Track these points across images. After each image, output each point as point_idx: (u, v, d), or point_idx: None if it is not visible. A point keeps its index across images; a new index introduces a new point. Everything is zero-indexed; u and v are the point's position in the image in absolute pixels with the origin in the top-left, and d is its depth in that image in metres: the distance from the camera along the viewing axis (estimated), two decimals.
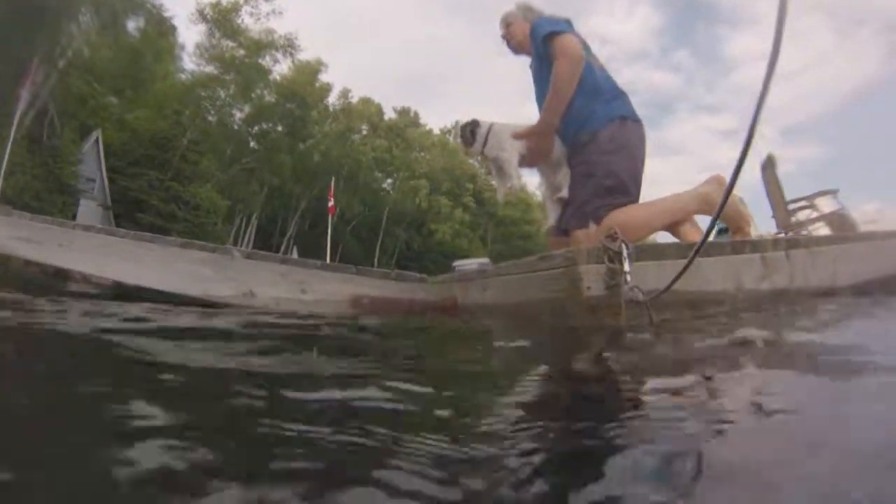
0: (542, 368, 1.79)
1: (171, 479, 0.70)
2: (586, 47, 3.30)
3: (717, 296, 2.41)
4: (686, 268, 1.91)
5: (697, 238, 3.21)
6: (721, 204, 1.95)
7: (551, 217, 3.45)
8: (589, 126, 3.17)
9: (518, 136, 3.41)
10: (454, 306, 3.56)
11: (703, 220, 3.38)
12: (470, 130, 3.51)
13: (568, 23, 3.36)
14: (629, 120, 3.20)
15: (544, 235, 3.68)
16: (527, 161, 3.47)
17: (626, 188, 3.04)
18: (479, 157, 3.71)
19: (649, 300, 1.97)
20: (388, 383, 1.33)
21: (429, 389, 1.38)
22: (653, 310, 1.99)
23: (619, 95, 3.29)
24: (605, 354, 1.90)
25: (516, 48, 3.69)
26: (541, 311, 2.39)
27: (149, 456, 0.75)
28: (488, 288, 3.07)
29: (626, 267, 2.02)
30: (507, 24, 3.68)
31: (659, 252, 2.25)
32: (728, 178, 3.01)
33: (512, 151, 3.39)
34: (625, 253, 2.04)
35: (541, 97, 3.44)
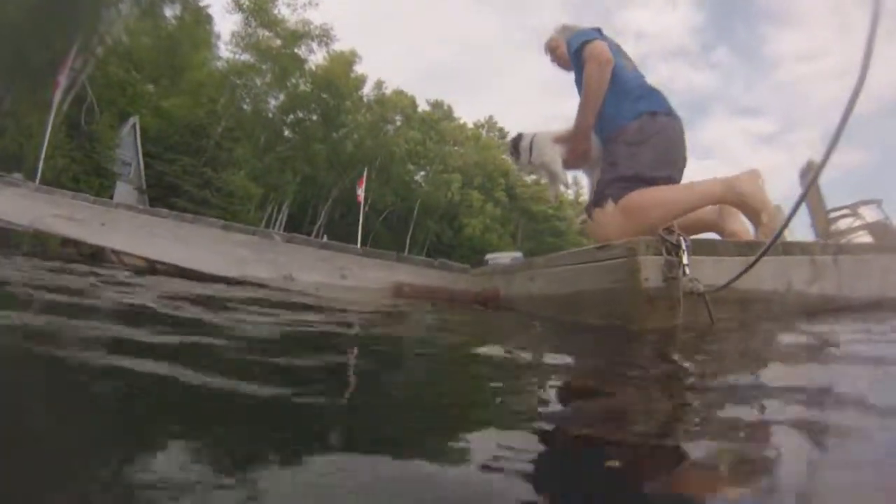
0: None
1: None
2: (618, 51, 3.41)
3: (768, 295, 2.36)
4: (751, 266, 1.91)
5: (742, 232, 3.16)
6: (794, 208, 1.91)
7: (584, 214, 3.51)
8: (616, 122, 3.20)
9: (558, 140, 3.57)
10: (496, 297, 3.51)
11: None
12: (514, 146, 3.70)
13: (598, 31, 3.46)
14: (660, 114, 3.18)
15: (576, 234, 3.76)
16: (569, 163, 3.58)
17: (649, 178, 2.97)
18: (529, 168, 3.78)
19: (708, 293, 1.94)
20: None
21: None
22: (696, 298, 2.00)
23: (647, 94, 3.30)
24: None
25: (566, 67, 3.78)
26: (595, 302, 2.33)
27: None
28: (536, 279, 3.01)
29: (685, 259, 2.00)
30: (551, 49, 3.87)
31: (714, 248, 2.19)
32: (761, 172, 3.00)
33: (554, 156, 3.53)
34: (683, 245, 2.02)
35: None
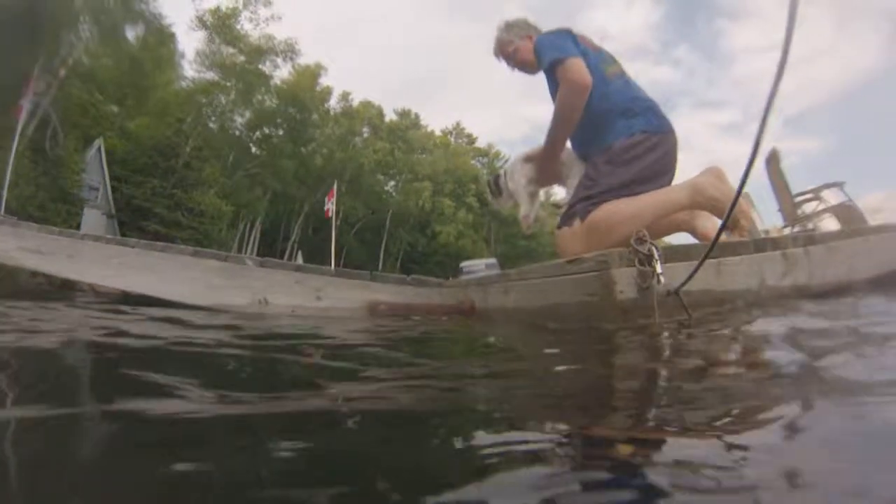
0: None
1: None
2: (599, 56, 3.18)
3: (743, 294, 2.39)
4: (700, 264, 1.93)
5: (712, 229, 3.16)
6: (732, 203, 1.91)
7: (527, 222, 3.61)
8: (606, 139, 3.02)
9: (529, 158, 3.48)
10: (472, 310, 3.51)
11: None
12: (495, 184, 3.68)
13: (568, 33, 3.20)
14: (656, 134, 3.01)
15: (549, 234, 3.76)
16: (540, 181, 3.52)
17: (624, 193, 2.86)
18: (511, 203, 3.71)
19: (679, 290, 1.98)
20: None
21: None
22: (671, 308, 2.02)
23: (643, 110, 3.07)
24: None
25: (529, 69, 3.52)
26: (570, 315, 2.34)
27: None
28: (510, 291, 3.00)
29: (659, 268, 2.00)
30: (505, 55, 3.57)
31: (687, 253, 2.20)
32: (723, 170, 3.02)
33: (520, 178, 3.49)
34: (656, 255, 2.02)
35: None
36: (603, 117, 3.02)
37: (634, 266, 2.05)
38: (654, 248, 2.03)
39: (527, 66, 3.49)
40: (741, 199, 2.89)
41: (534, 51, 3.26)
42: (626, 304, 2.04)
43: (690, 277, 1.94)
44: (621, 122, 3.01)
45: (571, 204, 2.95)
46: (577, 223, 2.85)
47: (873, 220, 5.60)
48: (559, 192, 3.71)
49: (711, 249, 1.93)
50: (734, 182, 1.94)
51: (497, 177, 3.68)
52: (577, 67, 2.96)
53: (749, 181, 1.74)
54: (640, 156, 2.93)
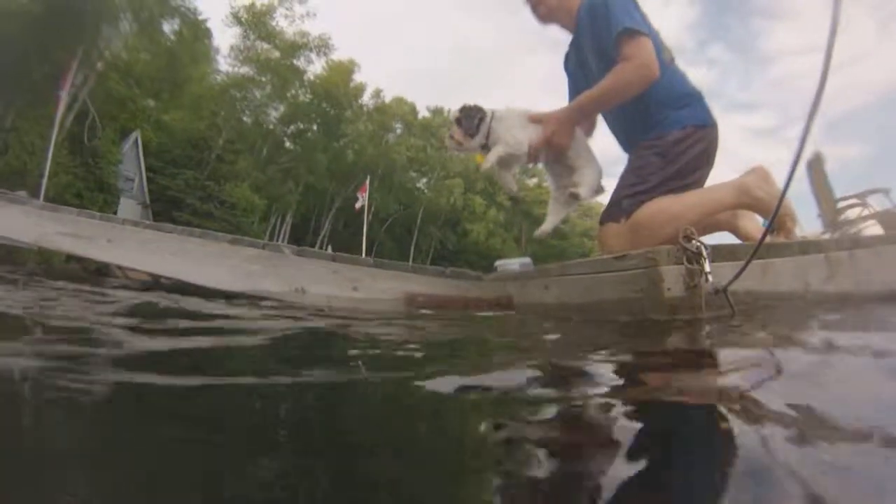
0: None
1: None
2: (657, 40, 2.85)
3: (787, 296, 2.32)
4: (747, 264, 1.89)
5: (755, 235, 3.06)
6: (778, 203, 1.90)
7: (548, 224, 3.16)
8: (657, 130, 2.86)
9: (535, 119, 2.96)
10: (510, 304, 3.45)
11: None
12: (467, 118, 2.97)
13: (636, 6, 2.84)
14: (705, 127, 2.87)
15: (579, 235, 3.45)
16: (540, 152, 2.97)
17: (670, 189, 2.74)
18: (475, 153, 3.09)
19: (727, 289, 1.92)
20: None
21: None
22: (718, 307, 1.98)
23: (693, 101, 2.92)
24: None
25: (545, 16, 3.16)
26: (614, 312, 2.28)
27: None
28: (550, 287, 2.93)
29: (707, 266, 1.95)
30: None
31: (734, 252, 2.14)
32: (769, 170, 2.91)
33: (520, 140, 2.90)
34: (704, 253, 1.97)
35: (582, 82, 3.07)
36: (654, 106, 2.86)
37: (682, 264, 2.00)
38: (702, 246, 1.99)
39: (560, 17, 3.13)
40: (787, 201, 2.82)
41: (594, 4, 2.88)
42: (673, 301, 2.00)
43: (738, 275, 1.90)
44: (673, 113, 2.86)
45: (618, 199, 2.79)
46: (622, 219, 2.72)
47: None
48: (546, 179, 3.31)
49: (758, 249, 1.90)
50: (779, 183, 1.90)
51: (474, 110, 2.98)
52: (650, 50, 2.72)
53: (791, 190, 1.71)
54: (688, 149, 2.80)
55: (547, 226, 3.16)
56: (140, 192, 30.78)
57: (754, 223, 3.17)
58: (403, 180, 48.99)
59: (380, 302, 3.58)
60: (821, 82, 1.48)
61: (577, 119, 2.93)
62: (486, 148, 2.98)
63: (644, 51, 2.70)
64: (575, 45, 3.22)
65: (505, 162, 2.98)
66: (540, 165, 3.15)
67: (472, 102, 3.01)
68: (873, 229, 6.25)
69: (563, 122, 2.89)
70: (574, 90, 3.31)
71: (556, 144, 2.92)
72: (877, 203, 6.72)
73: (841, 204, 6.76)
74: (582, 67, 3.18)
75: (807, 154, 6.31)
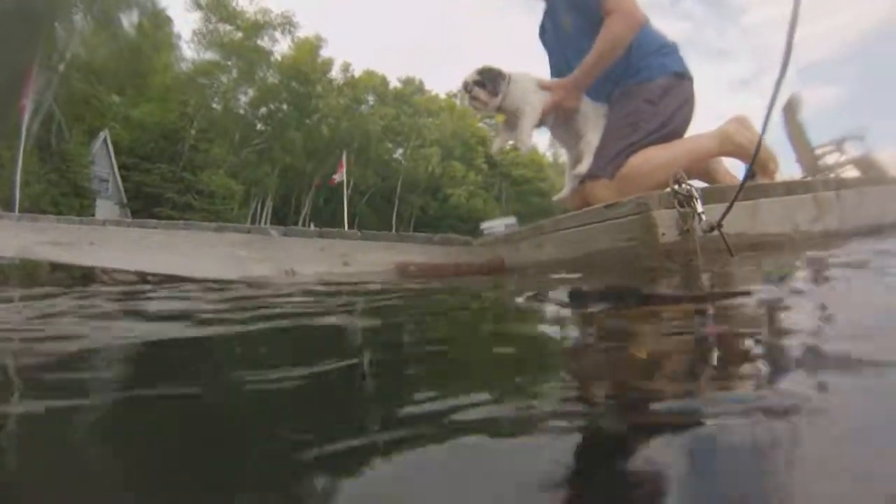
0: None
1: None
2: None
3: (777, 238, 2.35)
4: (735, 198, 1.88)
5: (731, 181, 3.12)
6: (757, 146, 1.91)
7: (567, 189, 3.16)
8: (639, 77, 2.90)
9: (546, 86, 3.03)
10: (501, 267, 3.46)
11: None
12: (490, 79, 3.03)
13: None
14: (685, 77, 2.96)
15: (556, 205, 3.38)
16: (550, 118, 3.08)
17: (658, 139, 2.80)
18: (494, 113, 3.17)
19: (720, 226, 1.90)
20: None
21: None
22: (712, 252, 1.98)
23: (673, 51, 3.01)
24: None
25: None
26: (610, 262, 2.29)
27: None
28: (544, 244, 2.93)
29: (699, 207, 1.95)
30: None
31: (724, 194, 2.14)
32: (748, 117, 2.95)
33: (535, 103, 2.97)
34: (696, 195, 1.97)
35: (569, 52, 3.10)
36: (636, 53, 2.91)
37: (674, 208, 2.00)
38: (693, 189, 1.98)
39: None
40: (766, 145, 2.89)
41: None
42: (668, 246, 2.01)
43: (729, 210, 1.88)
44: (656, 60, 2.92)
45: (611, 151, 2.82)
46: (608, 173, 2.77)
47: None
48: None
49: (743, 185, 1.93)
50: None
51: (496, 72, 3.04)
52: (633, 1, 2.83)
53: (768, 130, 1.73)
54: (675, 97, 2.87)
55: (564, 192, 3.20)
56: (116, 192, 30.47)
57: (725, 167, 3.25)
58: (380, 152, 48.76)
59: (371, 274, 3.57)
60: (791, 27, 1.48)
61: (584, 84, 2.96)
62: (500, 110, 3.07)
63: (627, 2, 2.79)
64: (550, 15, 3.27)
65: (518, 128, 3.02)
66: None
67: (483, 65, 3.08)
68: (850, 174, 6.34)
69: (570, 88, 2.97)
70: (553, 61, 3.39)
71: (566, 110, 3.02)
72: (853, 148, 6.79)
73: (818, 151, 6.81)
74: (558, 36, 3.22)
75: (782, 100, 6.33)
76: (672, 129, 2.85)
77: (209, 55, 36.82)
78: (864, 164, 6.31)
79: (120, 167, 30.55)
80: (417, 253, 3.69)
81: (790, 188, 2.52)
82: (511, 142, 3.19)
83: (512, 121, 3.07)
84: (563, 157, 3.14)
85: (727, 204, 1.92)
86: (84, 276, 4.79)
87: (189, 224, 3.95)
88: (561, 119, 3.09)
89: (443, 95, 57.46)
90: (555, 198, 3.32)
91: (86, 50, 27.35)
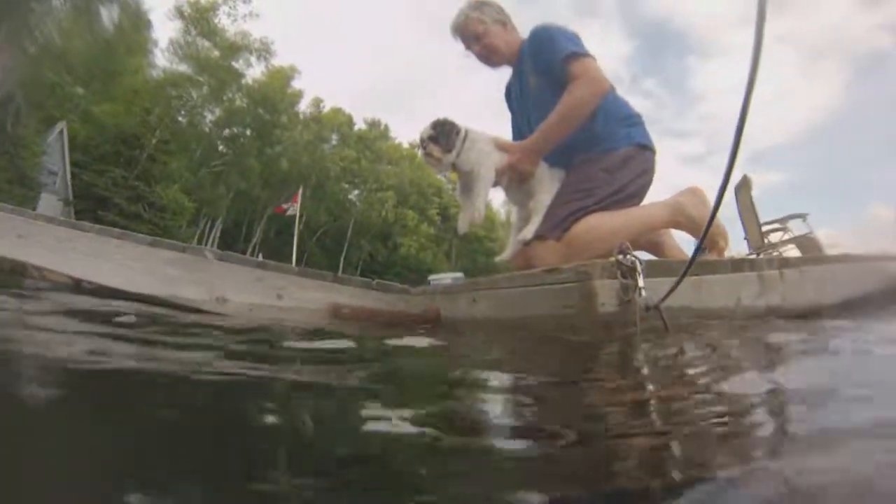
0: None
1: None
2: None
3: (720, 312, 2.35)
4: (679, 280, 1.85)
5: (678, 255, 3.12)
6: (708, 222, 1.84)
7: (509, 251, 3.08)
8: (602, 147, 2.87)
9: (503, 147, 2.96)
10: (437, 318, 3.40)
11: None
12: (444, 131, 2.90)
13: (577, 37, 2.91)
14: (647, 149, 2.93)
15: (499, 264, 3.33)
16: (504, 179, 2.99)
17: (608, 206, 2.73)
18: (448, 171, 3.04)
19: (660, 304, 1.88)
20: None
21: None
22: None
23: (639, 122, 3.00)
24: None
25: (497, 63, 3.25)
26: (544, 327, 2.25)
27: None
28: (479, 301, 2.88)
29: (641, 282, 1.91)
30: (476, 35, 3.16)
31: (669, 268, 2.14)
32: (703, 191, 2.98)
33: (490, 166, 2.89)
34: (639, 267, 1.93)
35: (532, 115, 3.08)
36: (601, 123, 2.88)
37: (616, 279, 1.97)
38: (636, 261, 1.96)
39: (492, 55, 3.19)
40: (719, 221, 2.90)
41: (537, 38, 2.98)
42: (607, 317, 1.96)
43: (672, 291, 1.85)
44: (621, 130, 2.90)
45: (558, 214, 2.75)
46: (556, 235, 2.69)
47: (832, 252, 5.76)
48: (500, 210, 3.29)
49: (690, 265, 1.85)
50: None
51: (450, 127, 2.91)
52: (597, 67, 2.80)
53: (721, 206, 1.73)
54: (633, 168, 2.84)
55: (507, 253, 3.11)
56: (63, 188, 29.59)
57: (675, 242, 3.23)
58: (336, 191, 48.80)
59: (304, 312, 3.49)
60: (745, 101, 1.50)
61: (542, 148, 2.90)
62: (455, 168, 2.96)
63: (592, 68, 2.77)
64: (517, 79, 3.26)
65: (472, 195, 2.94)
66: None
67: (441, 117, 2.96)
68: (792, 252, 6.60)
69: (528, 150, 2.90)
70: (516, 123, 3.39)
71: (521, 172, 2.93)
72: (795, 228, 7.09)
73: (765, 228, 7.04)
74: (523, 98, 3.22)
75: (734, 179, 6.55)
76: (626, 195, 2.79)
77: (182, 67, 36.64)
78: (805, 243, 6.63)
79: (72, 163, 29.73)
80: (353, 296, 3.62)
81: (736, 265, 2.54)
82: (475, 217, 2.99)
83: (466, 182, 2.98)
84: (522, 235, 3.04)
85: (671, 279, 1.92)
86: (13, 271, 4.58)
87: (124, 233, 3.80)
88: (515, 181, 3.01)
89: (406, 144, 57.95)
90: (497, 258, 3.24)
91: (60, 37, 26.78)
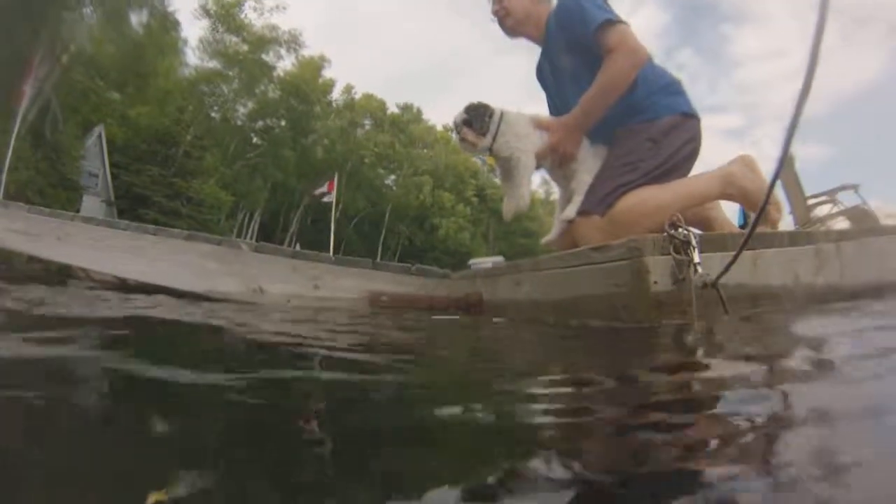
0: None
1: None
2: None
3: (777, 290, 2.18)
4: (738, 254, 1.73)
5: (729, 229, 2.95)
6: (768, 192, 1.72)
7: (554, 231, 2.94)
8: (644, 116, 2.71)
9: (543, 125, 2.83)
10: (479, 304, 3.32)
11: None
12: (477, 114, 2.78)
13: (611, 9, 2.72)
14: (692, 117, 2.76)
15: (542, 247, 3.19)
16: (547, 160, 2.86)
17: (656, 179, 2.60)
18: (484, 155, 2.93)
19: (717, 281, 1.77)
20: None
21: None
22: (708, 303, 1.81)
23: (681, 91, 2.82)
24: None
25: (513, 28, 3.07)
26: (593, 308, 2.11)
27: None
28: (522, 283, 2.78)
29: (696, 257, 1.79)
30: (506, 6, 3.02)
31: (724, 243, 1.99)
32: (755, 159, 2.80)
33: (529, 151, 2.76)
34: (693, 242, 1.82)
35: (569, 93, 2.91)
36: (641, 92, 2.72)
37: (669, 254, 1.84)
38: (691, 235, 1.84)
39: (507, 17, 3.05)
40: (773, 195, 2.70)
41: (564, 8, 2.83)
42: (660, 296, 1.83)
43: (729, 267, 1.74)
44: (663, 99, 2.74)
45: (604, 189, 2.62)
46: (600, 210, 2.57)
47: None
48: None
49: (749, 238, 1.72)
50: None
51: (483, 109, 2.80)
52: (633, 34, 2.64)
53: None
54: (679, 137, 2.69)
55: (551, 234, 2.98)
56: (104, 189, 30.23)
57: (726, 216, 3.07)
58: (371, 177, 48.87)
59: (342, 301, 3.44)
60: (808, 73, 1.38)
61: (584, 123, 2.76)
62: (492, 153, 2.84)
63: (628, 36, 2.62)
64: (547, 55, 3.11)
65: (514, 181, 2.82)
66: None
67: (476, 101, 2.85)
68: (842, 225, 6.30)
69: (570, 128, 2.77)
70: (552, 101, 3.22)
71: (563, 153, 2.80)
72: (846, 200, 6.78)
73: (811, 201, 6.78)
74: (557, 76, 3.07)
75: (767, 155, 6.33)
76: (673, 166, 2.65)
77: (212, 64, 37.02)
78: (858, 214, 6.28)
79: (111, 165, 30.36)
80: (391, 282, 3.57)
81: (793, 238, 2.37)
82: (520, 206, 2.89)
83: (506, 168, 2.86)
84: (556, 194, 2.92)
85: (725, 253, 1.80)
86: (60, 271, 4.65)
87: (159, 229, 3.81)
88: (557, 162, 2.87)
89: (439, 127, 57.67)
90: (543, 240, 3.07)
91: (92, 44, 27.23)
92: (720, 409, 0.99)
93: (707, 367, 1.42)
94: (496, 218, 56.46)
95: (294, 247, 39.23)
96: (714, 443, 0.79)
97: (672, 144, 2.66)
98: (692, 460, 0.71)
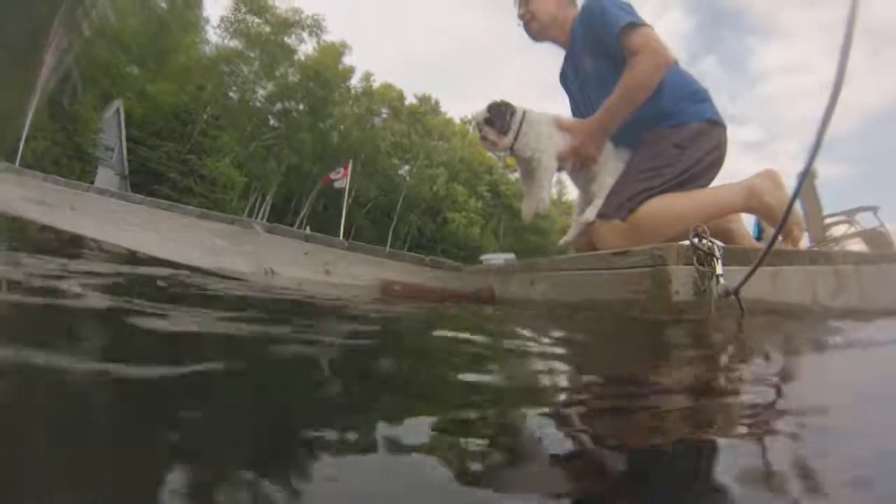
0: None
1: None
2: None
3: (796, 308, 2.13)
4: (757, 266, 1.69)
5: (749, 243, 2.90)
6: (787, 208, 1.69)
7: (572, 232, 2.88)
8: (670, 119, 2.68)
9: (566, 127, 2.78)
10: (491, 298, 3.27)
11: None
12: (499, 113, 2.74)
13: (636, 12, 2.70)
14: (718, 125, 2.75)
15: (552, 246, 3.17)
16: (568, 163, 2.79)
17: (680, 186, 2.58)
18: (505, 154, 2.89)
19: (738, 289, 1.73)
20: None
21: None
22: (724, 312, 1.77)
23: (707, 97, 2.80)
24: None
25: (539, 32, 3.06)
26: (610, 313, 2.07)
27: None
28: (537, 282, 2.74)
29: (719, 269, 1.74)
30: (531, 7, 3.01)
31: (746, 257, 1.94)
32: (780, 174, 2.74)
33: (551, 153, 2.72)
34: (717, 253, 1.77)
35: (593, 96, 2.90)
36: (668, 98, 2.69)
37: (692, 264, 1.80)
38: (715, 246, 1.79)
39: (553, 33, 3.05)
40: (795, 208, 2.65)
41: (588, 11, 2.83)
42: (681, 306, 1.79)
43: (749, 277, 1.70)
44: (690, 106, 2.72)
45: (626, 192, 2.60)
46: (621, 215, 2.54)
47: None
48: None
49: (767, 253, 1.70)
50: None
51: (505, 107, 2.76)
52: (658, 38, 2.62)
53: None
54: (705, 144, 2.67)
55: (569, 235, 2.93)
56: (119, 163, 30.32)
57: (746, 230, 3.03)
58: (386, 166, 48.88)
59: (353, 288, 3.40)
60: (835, 89, 1.35)
61: (607, 126, 2.72)
62: (513, 153, 2.81)
63: (652, 39, 2.59)
64: (571, 60, 3.10)
65: (536, 181, 2.78)
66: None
67: (499, 99, 2.81)
68: (857, 247, 6.21)
69: (593, 131, 2.73)
70: (575, 105, 3.21)
71: (585, 156, 2.76)
72: (865, 221, 6.70)
73: (829, 220, 6.71)
74: (580, 81, 3.05)
75: (786, 171, 6.27)
76: (696, 174, 2.63)
77: (234, 43, 37.06)
78: (875, 237, 6.20)
79: (128, 139, 30.44)
80: (405, 272, 3.53)
81: (813, 257, 2.32)
82: (540, 209, 2.84)
83: (527, 169, 2.83)
84: (568, 194, 2.90)
85: (746, 268, 1.75)
86: (72, 242, 4.64)
87: (173, 205, 3.79)
88: (579, 164, 2.82)
89: (457, 120, 57.56)
90: (560, 241, 3.05)
91: (115, 16, 27.24)
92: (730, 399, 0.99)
93: (719, 361, 1.43)
94: (508, 214, 56.41)
95: (305, 230, 39.37)
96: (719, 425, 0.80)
97: (697, 151, 2.64)
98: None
